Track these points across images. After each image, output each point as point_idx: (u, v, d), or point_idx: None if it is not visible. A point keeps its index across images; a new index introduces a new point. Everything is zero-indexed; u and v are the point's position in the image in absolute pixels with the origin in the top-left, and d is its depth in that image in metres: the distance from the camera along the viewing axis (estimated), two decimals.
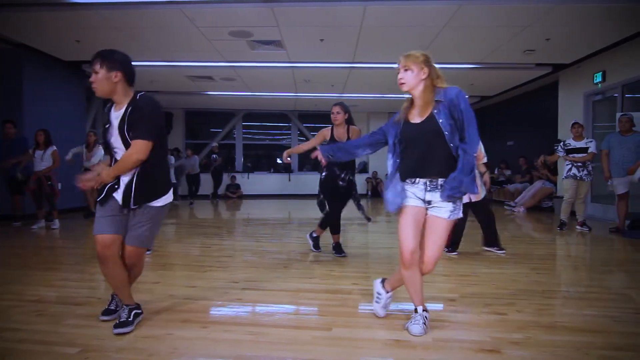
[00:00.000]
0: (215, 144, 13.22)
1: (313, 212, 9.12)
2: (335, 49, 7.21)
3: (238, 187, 13.59)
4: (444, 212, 2.26)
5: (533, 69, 8.53)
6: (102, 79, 2.25)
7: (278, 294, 3.04)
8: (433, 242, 2.29)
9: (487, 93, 11.14)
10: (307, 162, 14.92)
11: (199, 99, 11.98)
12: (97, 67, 2.24)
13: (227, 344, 2.19)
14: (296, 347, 2.15)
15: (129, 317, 2.34)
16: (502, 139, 12.23)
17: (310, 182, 13.94)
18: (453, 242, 4.52)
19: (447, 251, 4.51)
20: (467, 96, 2.29)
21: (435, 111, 2.22)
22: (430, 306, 2.74)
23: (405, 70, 2.26)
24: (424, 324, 2.29)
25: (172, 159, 11.08)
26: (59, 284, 3.34)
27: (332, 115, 4.18)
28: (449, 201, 2.25)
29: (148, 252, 4.43)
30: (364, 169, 14.56)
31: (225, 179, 13.42)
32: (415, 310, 2.34)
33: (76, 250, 4.91)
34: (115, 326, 2.30)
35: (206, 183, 12.17)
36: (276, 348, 2.14)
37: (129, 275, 2.44)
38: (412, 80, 2.26)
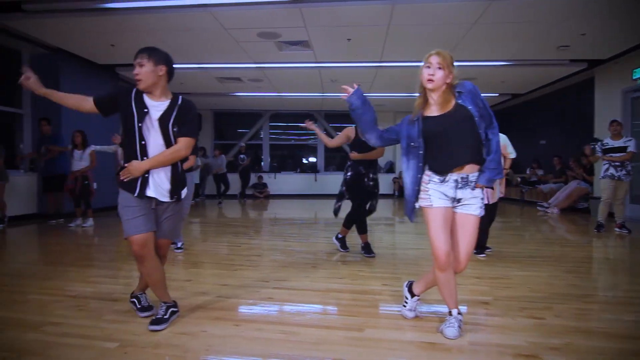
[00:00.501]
0: (242, 144, 13.39)
1: (340, 212, 9.11)
2: (362, 48, 7.18)
3: (265, 186, 13.72)
4: (474, 208, 2.26)
5: (567, 65, 8.25)
6: (148, 72, 2.31)
7: (308, 294, 3.05)
8: (466, 240, 2.28)
9: (518, 91, 10.87)
10: (332, 163, 14.92)
11: (227, 100, 12.16)
12: (145, 60, 2.31)
13: (260, 342, 2.21)
14: (328, 348, 2.14)
15: (165, 315, 2.40)
16: (534, 138, 11.88)
17: (336, 182, 13.86)
18: (479, 244, 4.42)
19: (474, 253, 4.42)
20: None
21: (460, 100, 2.24)
22: (463, 309, 2.70)
23: (439, 68, 2.24)
24: (459, 327, 2.24)
25: (197, 160, 11.24)
26: (96, 280, 3.46)
27: None
28: (488, 186, 2.27)
29: (180, 251, 4.54)
30: (390, 168, 14.45)
31: (253, 178, 13.59)
32: (450, 313, 2.30)
33: (110, 248, 5.07)
34: (152, 323, 2.36)
35: (234, 183, 12.32)
36: (308, 348, 2.14)
37: None
38: (441, 80, 2.25)
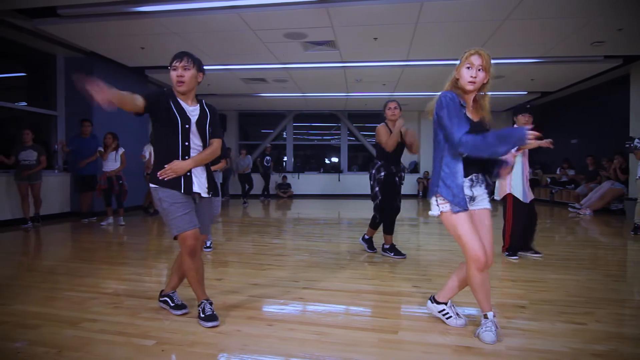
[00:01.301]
0: (268, 145, 13.50)
1: (363, 212, 9.11)
2: (388, 47, 7.12)
3: (289, 186, 13.78)
4: (487, 202, 2.31)
5: (601, 62, 7.97)
6: (192, 76, 2.40)
7: (339, 294, 3.04)
8: (489, 234, 2.27)
9: (549, 88, 10.56)
10: (355, 163, 14.87)
11: (251, 100, 12.25)
12: (190, 65, 2.39)
13: (294, 342, 2.21)
14: (363, 350, 2.13)
15: (214, 311, 2.45)
16: (564, 137, 11.55)
17: (360, 182, 13.87)
18: (513, 246, 4.32)
19: (507, 255, 4.33)
20: None
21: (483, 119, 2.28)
22: (500, 312, 2.64)
23: (480, 70, 2.17)
24: (496, 331, 2.19)
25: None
26: (130, 277, 3.53)
27: (389, 111, 4.24)
28: (498, 178, 2.34)
29: (209, 250, 4.61)
30: (415, 169, 14.30)
31: (277, 178, 13.68)
32: (485, 316, 2.24)
33: (142, 246, 5.17)
34: (206, 319, 2.39)
35: (257, 183, 12.42)
36: (343, 349, 2.13)
37: None
38: (481, 82, 2.20)
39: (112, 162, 6.75)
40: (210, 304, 2.48)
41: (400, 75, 9.02)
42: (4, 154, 6.25)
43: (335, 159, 15.07)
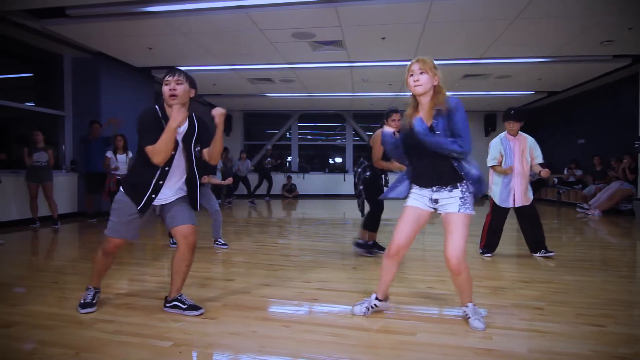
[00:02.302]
0: (269, 147, 13.44)
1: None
2: (396, 47, 7.09)
3: (294, 187, 13.76)
4: (453, 207, 2.37)
5: (610, 61, 7.93)
6: (185, 90, 2.46)
7: (352, 295, 3.00)
8: (450, 238, 2.37)
9: (555, 88, 10.50)
10: None
11: (256, 100, 12.24)
12: (182, 79, 2.45)
13: (311, 344, 2.18)
14: (382, 352, 2.10)
15: (94, 299, 2.71)
16: (571, 137, 11.50)
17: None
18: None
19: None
20: (464, 109, 2.33)
21: (434, 121, 2.34)
22: (517, 313, 2.62)
23: (421, 73, 2.34)
24: (366, 312, 2.57)
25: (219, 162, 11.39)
26: (141, 278, 3.52)
27: (392, 122, 4.06)
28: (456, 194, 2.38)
29: (225, 247, 4.66)
30: None
31: (282, 179, 13.66)
32: (376, 299, 2.59)
33: (151, 247, 5.15)
34: (82, 306, 2.65)
35: (252, 182, 12.34)
36: (361, 352, 2.10)
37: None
38: (427, 83, 2.34)
39: (123, 165, 6.78)
40: (96, 294, 2.71)
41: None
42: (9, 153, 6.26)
43: (340, 159, 15.05)
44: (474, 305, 2.47)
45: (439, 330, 2.37)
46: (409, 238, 2.46)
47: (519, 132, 4.31)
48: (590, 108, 10.59)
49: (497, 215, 4.38)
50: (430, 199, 2.42)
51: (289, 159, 14.93)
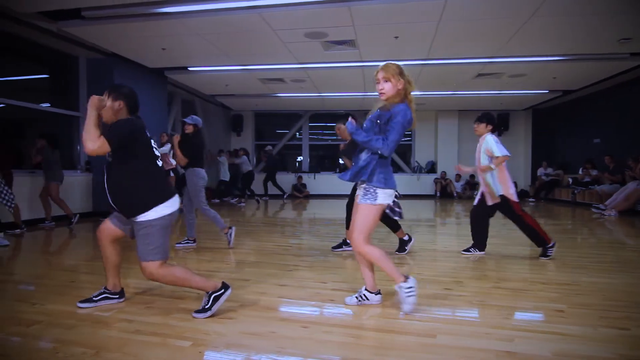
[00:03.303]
0: (269, 147, 13.38)
1: None
2: (409, 46, 7.05)
3: (305, 187, 13.77)
4: (359, 198, 2.68)
5: (627, 60, 7.80)
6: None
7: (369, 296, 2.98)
8: (354, 222, 2.69)
9: (570, 87, 10.36)
10: None
11: (268, 100, 12.27)
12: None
13: (331, 345, 2.17)
14: (403, 354, 2.08)
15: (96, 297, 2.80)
16: (586, 136, 11.34)
17: None
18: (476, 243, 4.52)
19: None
20: (405, 119, 2.54)
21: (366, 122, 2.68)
22: (538, 316, 2.58)
23: (385, 81, 2.54)
24: (357, 298, 2.79)
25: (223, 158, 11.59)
26: None
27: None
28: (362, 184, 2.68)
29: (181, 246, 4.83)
30: (432, 169, 14.17)
31: (292, 179, 13.70)
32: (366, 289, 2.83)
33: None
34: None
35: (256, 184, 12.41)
36: (381, 353, 2.08)
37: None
38: (390, 91, 2.56)
39: None
40: (102, 293, 2.80)
41: (419, 74, 8.92)
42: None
43: None
44: (399, 286, 2.62)
45: (459, 332, 2.34)
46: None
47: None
48: (607, 107, 10.43)
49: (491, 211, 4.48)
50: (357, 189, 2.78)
51: (300, 158, 14.94)
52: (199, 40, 6.75)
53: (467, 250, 4.55)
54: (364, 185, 2.65)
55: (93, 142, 2.37)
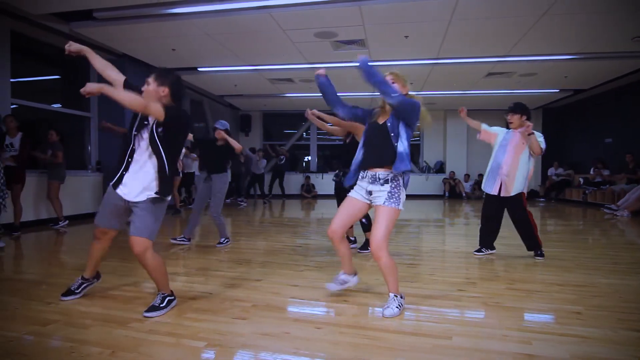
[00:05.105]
0: (283, 149, 13.43)
1: None
2: (419, 45, 7.00)
3: (313, 187, 13.76)
4: (380, 200, 2.63)
5: (639, 58, 7.69)
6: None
7: (382, 297, 2.95)
8: (375, 227, 2.62)
9: (582, 86, 10.24)
10: None
11: (276, 101, 12.28)
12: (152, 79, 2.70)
13: (346, 347, 2.16)
14: (419, 356, 2.06)
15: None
16: (598, 136, 11.21)
17: None
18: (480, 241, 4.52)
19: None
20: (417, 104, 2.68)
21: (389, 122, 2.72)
22: (555, 318, 2.55)
23: (393, 82, 2.70)
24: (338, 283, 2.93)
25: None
26: (170, 277, 3.52)
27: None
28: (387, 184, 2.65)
29: (220, 245, 4.85)
30: (440, 169, 14.08)
31: (300, 179, 13.69)
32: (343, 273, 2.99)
33: (176, 246, 5.19)
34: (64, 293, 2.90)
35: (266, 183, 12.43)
36: (397, 355, 2.07)
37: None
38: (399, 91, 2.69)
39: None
40: (82, 284, 2.93)
41: (428, 73, 8.88)
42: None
43: None
44: (396, 296, 2.64)
45: (475, 334, 2.31)
46: (343, 224, 2.76)
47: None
48: (618, 106, 10.30)
49: (486, 205, 4.52)
50: (366, 191, 2.72)
51: (307, 158, 14.93)
52: (208, 40, 6.77)
53: (479, 250, 4.51)
54: (385, 188, 2.64)
55: (139, 100, 2.39)
